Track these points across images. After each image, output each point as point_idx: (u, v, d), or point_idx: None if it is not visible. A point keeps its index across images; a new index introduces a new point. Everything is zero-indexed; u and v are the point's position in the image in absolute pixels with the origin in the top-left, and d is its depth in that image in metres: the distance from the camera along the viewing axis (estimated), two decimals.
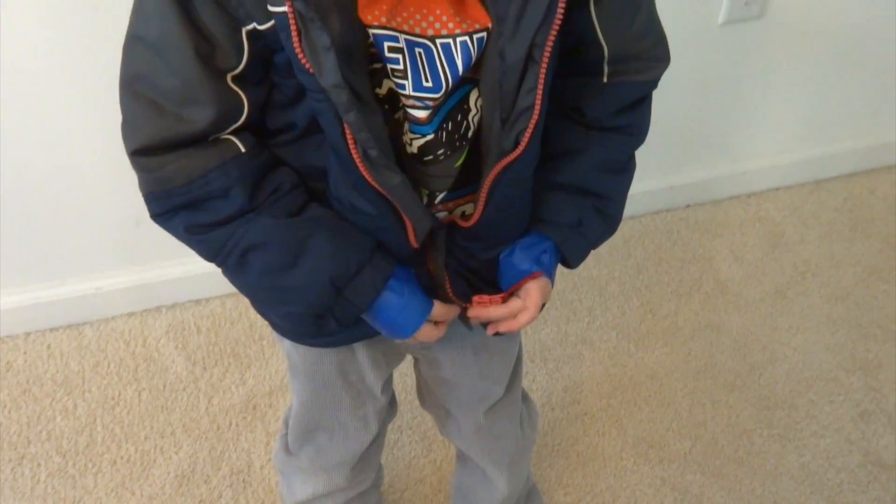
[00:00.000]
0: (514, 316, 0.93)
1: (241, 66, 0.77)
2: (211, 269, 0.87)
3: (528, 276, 0.92)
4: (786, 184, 2.02)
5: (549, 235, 0.94)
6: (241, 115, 0.80)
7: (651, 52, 0.90)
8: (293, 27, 0.71)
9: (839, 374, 1.69)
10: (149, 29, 0.76)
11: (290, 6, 0.70)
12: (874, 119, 2.00)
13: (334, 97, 0.73)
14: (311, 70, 0.73)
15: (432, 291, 0.93)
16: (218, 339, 1.66)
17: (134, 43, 0.77)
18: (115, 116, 1.46)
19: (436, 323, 0.93)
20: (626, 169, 0.96)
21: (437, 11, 0.76)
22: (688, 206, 1.97)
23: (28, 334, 1.63)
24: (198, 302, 1.71)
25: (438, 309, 0.92)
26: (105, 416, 1.54)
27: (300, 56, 0.72)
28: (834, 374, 1.70)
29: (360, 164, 0.78)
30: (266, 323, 1.67)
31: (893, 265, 1.88)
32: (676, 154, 1.89)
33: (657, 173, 1.90)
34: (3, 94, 1.39)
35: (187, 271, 1.66)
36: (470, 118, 0.84)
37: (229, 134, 0.81)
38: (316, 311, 0.88)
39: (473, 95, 0.83)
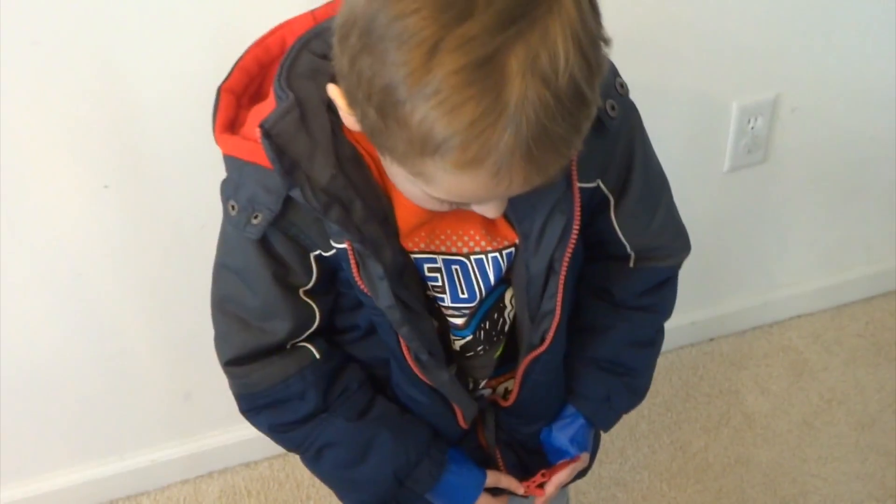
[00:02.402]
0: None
1: (312, 283, 0.88)
2: (258, 434, 0.98)
3: (568, 459, 1.05)
4: (807, 311, 2.07)
5: (580, 409, 1.05)
6: (315, 322, 0.91)
7: (671, 245, 1.01)
8: (352, 261, 0.83)
9: None
10: (233, 259, 0.88)
11: (349, 245, 0.82)
12: (887, 243, 2.05)
13: (389, 316, 0.84)
14: (368, 293, 0.84)
15: (484, 463, 1.05)
16: (268, 500, 1.74)
17: (221, 270, 0.90)
18: (161, 305, 1.59)
19: (494, 494, 1.04)
20: (653, 342, 1.06)
21: (471, 231, 0.87)
22: (711, 339, 2.03)
23: None
24: (247, 465, 1.80)
25: (491, 477, 1.04)
26: None
27: (359, 283, 0.84)
28: (865, 503, 1.73)
29: (413, 366, 0.89)
30: (314, 483, 1.74)
31: None
32: (697, 291, 1.96)
33: (679, 310, 1.91)
34: (56, 289, 1.51)
35: (235, 437, 1.76)
36: (506, 314, 0.95)
37: (305, 341, 0.92)
38: (382, 499, 1.00)
39: (508, 294, 0.94)
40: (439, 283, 0.89)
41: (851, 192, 1.95)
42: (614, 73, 0.86)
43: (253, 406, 0.94)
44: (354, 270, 0.83)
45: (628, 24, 1.42)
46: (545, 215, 0.84)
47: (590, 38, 0.64)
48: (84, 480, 1.71)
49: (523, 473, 1.06)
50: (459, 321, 0.92)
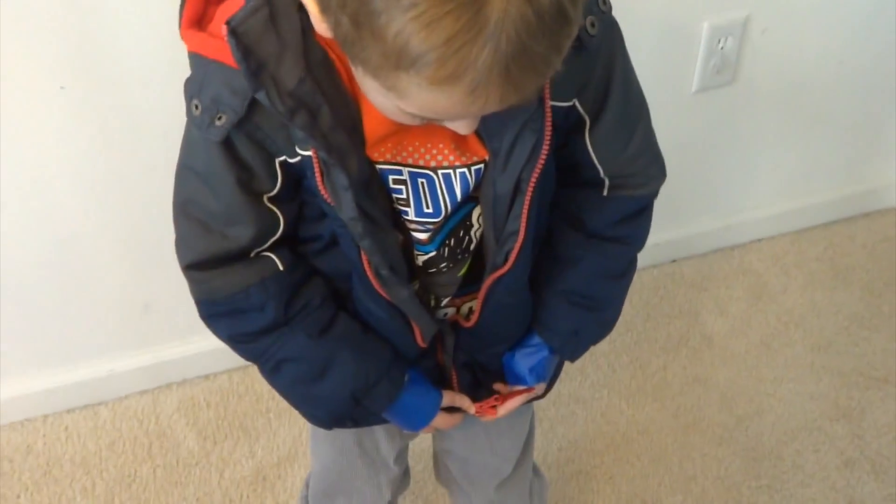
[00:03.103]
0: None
1: (276, 190, 0.86)
2: (217, 346, 0.98)
3: (524, 388, 1.06)
4: (768, 234, 2.08)
5: (547, 341, 1.04)
6: (278, 229, 0.89)
7: (647, 171, 0.98)
8: (316, 169, 0.81)
9: (823, 423, 1.76)
10: (196, 160, 0.85)
11: (314, 153, 0.80)
12: (849, 169, 2.07)
13: (351, 228, 0.83)
14: (332, 203, 0.82)
15: (441, 383, 1.04)
16: (227, 413, 1.74)
17: (184, 171, 0.87)
18: (122, 213, 1.56)
19: (450, 412, 1.05)
20: (625, 274, 1.04)
21: (440, 145, 0.85)
22: (673, 261, 2.04)
23: (46, 417, 1.72)
24: (206, 377, 1.79)
25: (447, 398, 1.04)
26: (122, 493, 1.62)
27: (323, 193, 0.82)
28: (818, 423, 1.76)
29: (373, 281, 0.88)
30: (273, 395, 1.74)
31: (874, 312, 1.94)
32: (660, 212, 1.94)
33: None
34: (13, 197, 1.48)
35: (195, 349, 1.75)
36: (472, 233, 0.93)
37: (269, 250, 0.90)
38: (337, 416, 1.00)
39: (476, 212, 0.92)
40: (404, 196, 0.87)
41: (817, 117, 1.95)
42: None
43: (213, 313, 0.93)
44: (318, 179, 0.81)
45: None
46: (515, 132, 0.82)
47: None
48: (41, 389, 1.70)
49: (477, 393, 1.06)
50: (423, 236, 0.90)
